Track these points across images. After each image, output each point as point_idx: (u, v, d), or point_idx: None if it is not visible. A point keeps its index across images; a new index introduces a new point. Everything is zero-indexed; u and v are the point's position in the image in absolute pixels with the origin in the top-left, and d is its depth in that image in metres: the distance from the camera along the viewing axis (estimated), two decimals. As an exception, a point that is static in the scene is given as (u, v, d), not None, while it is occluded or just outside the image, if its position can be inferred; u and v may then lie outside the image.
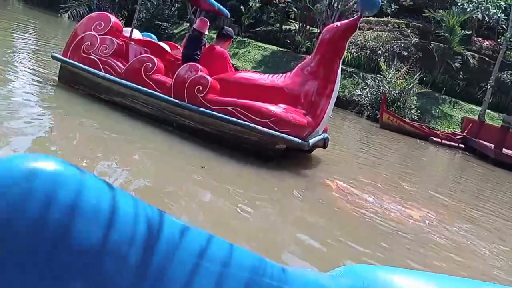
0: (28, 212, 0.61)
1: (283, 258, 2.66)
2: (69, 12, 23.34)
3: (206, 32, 5.68)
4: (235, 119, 4.59)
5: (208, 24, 5.71)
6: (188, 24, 25.00)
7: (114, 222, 0.67)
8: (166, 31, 23.68)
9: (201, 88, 4.76)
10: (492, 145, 11.62)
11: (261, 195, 3.89)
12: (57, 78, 5.77)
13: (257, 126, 4.51)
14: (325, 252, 2.99)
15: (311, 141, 4.92)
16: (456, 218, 4.81)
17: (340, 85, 5.35)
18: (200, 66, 4.87)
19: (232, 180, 4.08)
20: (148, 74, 5.02)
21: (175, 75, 4.94)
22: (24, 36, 11.07)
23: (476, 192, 7.13)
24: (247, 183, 4.13)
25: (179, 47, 6.48)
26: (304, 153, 5.46)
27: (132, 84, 5.02)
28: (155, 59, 5.13)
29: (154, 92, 4.95)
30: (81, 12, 23.29)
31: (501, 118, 15.69)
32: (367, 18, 19.53)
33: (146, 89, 4.98)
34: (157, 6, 23.57)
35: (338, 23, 5.07)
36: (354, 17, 4.91)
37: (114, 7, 24.30)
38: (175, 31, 25.16)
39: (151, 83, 4.99)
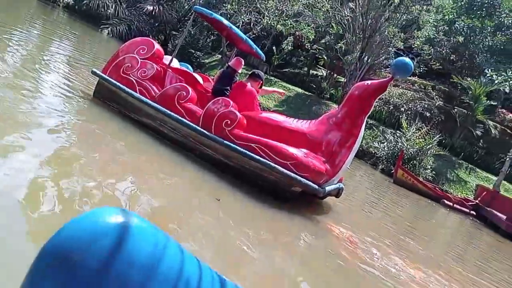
0: (113, 267, 0.66)
1: None
2: (109, 29, 24.39)
3: (240, 71, 6.00)
4: (257, 156, 4.81)
5: (243, 63, 6.04)
6: (220, 56, 25.85)
7: (163, 275, 0.71)
8: (198, 59, 24.48)
9: (229, 122, 5.02)
10: (505, 217, 11.51)
11: (271, 236, 4.02)
12: (90, 93, 6.10)
13: (277, 166, 4.71)
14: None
15: (327, 188, 5.08)
16: (460, 285, 4.83)
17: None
18: (231, 102, 5.15)
19: (244, 217, 4.23)
20: (180, 102, 5.33)
21: (207, 106, 5.23)
22: (62, 45, 11.68)
23: (483, 261, 7.08)
24: (260, 223, 4.26)
25: (211, 80, 6.83)
26: (316, 199, 5.59)
27: (163, 109, 5.32)
28: (189, 89, 5.45)
29: (184, 120, 5.23)
30: (120, 30, 24.38)
31: (517, 191, 15.58)
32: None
33: (176, 115, 5.26)
34: (193, 35, 24.48)
35: (369, 82, 5.32)
36: (386, 79, 5.16)
37: (153, 30, 25.33)
38: (206, 60, 25.98)
39: (182, 110, 5.29)
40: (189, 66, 6.86)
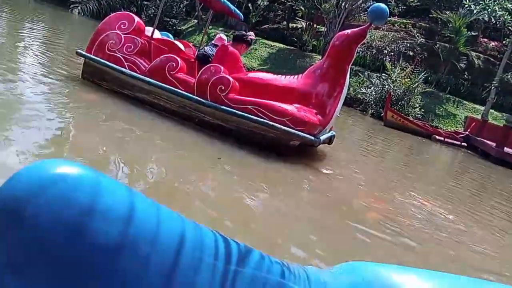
0: (56, 215, 0.66)
1: (289, 252, 2.91)
2: (79, 8, 23.65)
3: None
4: (255, 117, 4.99)
5: (225, 38, 6.15)
6: (196, 20, 25.31)
7: (132, 222, 0.71)
8: (174, 27, 23.98)
9: (223, 88, 5.13)
10: (494, 144, 11.90)
11: (274, 186, 4.23)
12: (76, 74, 6.10)
13: (275, 124, 4.91)
14: (328, 247, 3.31)
15: (321, 138, 5.30)
16: (459, 211, 5.14)
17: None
18: (222, 67, 5.21)
19: (246, 172, 4.43)
20: (171, 72, 5.38)
21: (199, 74, 5.31)
22: (35, 29, 11.40)
23: (478, 187, 7.45)
24: (261, 174, 4.46)
25: (191, 46, 6.87)
26: (311, 148, 5.81)
27: (157, 82, 5.38)
28: (178, 59, 5.48)
29: (178, 90, 5.32)
30: (91, 7, 23.65)
31: (505, 118, 16.00)
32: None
33: (170, 87, 5.33)
34: (166, 3, 23.84)
35: (349, 31, 5.44)
36: (364, 26, 5.28)
37: (123, 3, 24.60)
38: (183, 27, 25.45)
39: (174, 81, 5.36)
40: (170, 35, 6.84)
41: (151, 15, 23.16)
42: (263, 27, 24.42)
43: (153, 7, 23.79)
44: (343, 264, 1.04)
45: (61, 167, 0.70)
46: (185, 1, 25.85)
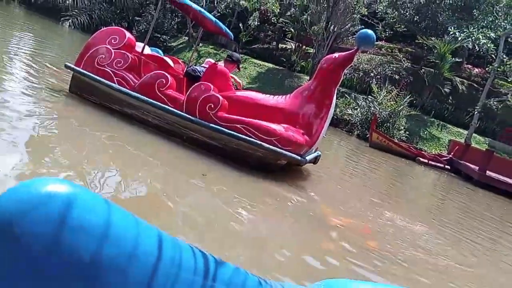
0: (45, 234, 0.69)
1: (268, 267, 2.93)
2: (70, 21, 23.70)
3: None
4: (244, 136, 5.05)
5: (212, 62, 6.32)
6: (186, 38, 25.53)
7: (112, 238, 0.74)
8: (165, 43, 24.16)
9: (212, 106, 5.18)
10: (477, 168, 12.13)
11: (260, 203, 4.26)
12: (64, 87, 6.06)
13: (263, 143, 4.98)
14: (311, 265, 3.33)
15: (308, 157, 5.37)
16: (440, 232, 5.21)
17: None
18: (212, 86, 5.28)
19: (232, 188, 4.45)
20: (161, 89, 5.41)
21: (188, 92, 5.35)
22: (24, 41, 11.37)
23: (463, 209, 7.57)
24: (247, 192, 4.49)
25: (180, 62, 6.96)
26: (297, 166, 5.87)
27: (146, 98, 5.40)
28: (168, 76, 5.52)
29: (168, 107, 5.34)
30: (82, 21, 23.74)
31: (487, 142, 16.35)
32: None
33: (159, 103, 5.37)
34: (157, 19, 24.03)
35: (337, 54, 5.58)
36: (351, 51, 5.42)
37: (115, 18, 24.75)
38: (174, 43, 25.65)
39: (164, 98, 5.39)
40: (160, 51, 6.90)
41: (142, 31, 23.32)
42: (253, 46, 24.75)
43: (144, 23, 23.96)
44: (323, 281, 1.06)
45: (51, 185, 0.73)
46: (176, 18, 26.12)
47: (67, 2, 25.12)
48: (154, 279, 0.77)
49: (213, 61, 6.24)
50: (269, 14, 22.02)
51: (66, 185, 0.74)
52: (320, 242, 3.77)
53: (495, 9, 16.84)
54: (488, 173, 11.91)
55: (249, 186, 4.66)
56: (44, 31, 17.89)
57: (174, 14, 25.91)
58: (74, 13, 24.07)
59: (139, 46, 6.09)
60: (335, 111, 16.67)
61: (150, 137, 5.21)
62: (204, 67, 6.04)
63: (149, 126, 5.47)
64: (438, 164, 13.31)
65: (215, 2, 23.27)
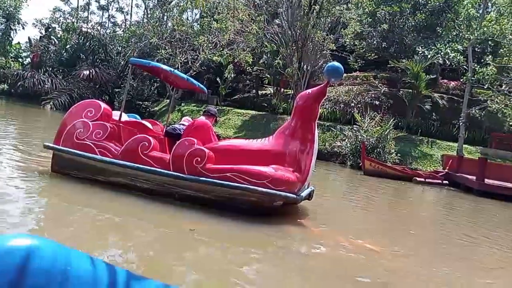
0: (10, 281, 0.78)
1: None
2: (51, 103, 24.02)
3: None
4: (235, 184, 4.96)
5: (190, 120, 6.40)
6: (168, 100, 25.95)
7: (73, 279, 0.83)
8: (148, 109, 24.51)
9: (199, 160, 5.13)
10: (474, 177, 12.06)
11: (259, 250, 4.10)
12: (47, 168, 5.91)
13: (257, 188, 4.89)
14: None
15: (302, 194, 5.28)
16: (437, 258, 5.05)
17: (320, 139, 5.83)
18: (195, 139, 5.25)
19: (226, 239, 4.29)
20: (145, 152, 5.37)
21: (173, 149, 5.31)
22: (7, 129, 11.40)
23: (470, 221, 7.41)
24: (242, 240, 4.33)
25: (158, 123, 6.98)
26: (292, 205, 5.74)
27: (132, 164, 5.33)
28: (150, 138, 5.50)
29: (155, 169, 5.27)
30: (62, 101, 24.05)
31: (479, 151, 16.40)
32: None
33: (146, 166, 5.29)
34: (136, 88, 24.52)
35: (310, 90, 5.69)
36: (322, 85, 5.52)
37: (95, 93, 25.15)
38: (156, 108, 26.03)
39: (149, 160, 5.33)
40: (137, 116, 6.94)
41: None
42: (234, 97, 25.21)
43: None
44: None
45: (15, 240, 0.83)
46: (155, 83, 26.66)
47: (46, 85, 25.61)
48: None
49: (190, 119, 6.26)
50: (243, 65, 22.57)
51: (28, 238, 0.83)
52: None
53: (456, 23, 17.49)
54: (487, 181, 11.84)
55: (243, 234, 4.51)
56: (26, 116, 18.05)
57: (152, 80, 26.48)
58: (54, 95, 24.44)
59: (115, 114, 6.10)
60: (324, 145, 16.84)
61: (133, 200, 5.09)
62: (183, 124, 6.05)
63: (138, 191, 5.35)
64: (436, 181, 13.24)
65: (189, 62, 23.87)
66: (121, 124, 5.94)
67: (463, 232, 6.27)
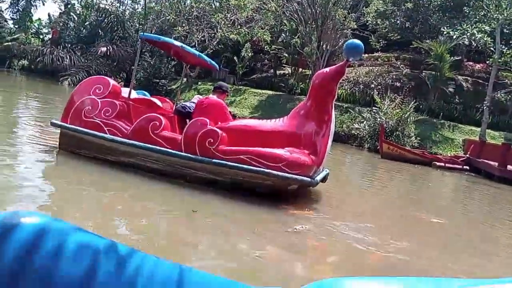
0: (18, 257, 0.76)
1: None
2: (69, 79, 24.12)
3: None
4: (250, 167, 4.78)
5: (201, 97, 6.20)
6: (185, 79, 25.78)
7: (77, 257, 0.79)
8: (164, 87, 24.37)
9: (212, 141, 4.95)
10: (496, 164, 11.63)
11: (270, 232, 3.95)
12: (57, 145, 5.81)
13: (272, 171, 4.71)
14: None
15: (317, 178, 5.08)
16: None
17: (338, 121, 5.57)
18: (208, 120, 5.06)
19: (236, 221, 4.16)
20: (156, 132, 5.20)
21: (185, 130, 5.14)
22: (27, 105, 11.47)
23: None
24: (252, 224, 4.18)
25: (167, 100, 6.79)
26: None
27: (142, 144, 5.17)
28: (161, 117, 5.32)
29: (166, 149, 5.11)
30: (80, 78, 24.11)
31: (503, 136, 15.83)
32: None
33: (158, 147, 5.14)
34: (153, 66, 24.37)
35: (327, 69, 5.39)
36: (341, 63, 5.20)
37: (112, 71, 25.14)
38: (173, 86, 25.89)
39: (160, 140, 5.17)
40: (146, 93, 6.75)
41: (141, 79, 23.61)
42: (252, 77, 24.85)
43: (142, 71, 24.25)
44: (312, 283, 1.01)
45: (25, 217, 0.80)
46: (172, 62, 26.46)
47: (65, 62, 25.70)
48: None
49: (201, 97, 6.05)
50: (261, 44, 22.14)
51: (37, 216, 0.82)
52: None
53: (484, 2, 16.65)
54: (509, 167, 11.41)
55: (257, 217, 4.36)
56: (45, 92, 18.18)
57: (170, 58, 26.28)
58: (72, 71, 24.53)
59: (125, 91, 5.91)
60: (341, 127, 16.47)
61: (139, 179, 4.98)
62: (193, 102, 5.86)
63: (147, 171, 5.21)
64: (456, 166, 12.83)
65: (206, 40, 23.54)
66: (130, 102, 5.78)
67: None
